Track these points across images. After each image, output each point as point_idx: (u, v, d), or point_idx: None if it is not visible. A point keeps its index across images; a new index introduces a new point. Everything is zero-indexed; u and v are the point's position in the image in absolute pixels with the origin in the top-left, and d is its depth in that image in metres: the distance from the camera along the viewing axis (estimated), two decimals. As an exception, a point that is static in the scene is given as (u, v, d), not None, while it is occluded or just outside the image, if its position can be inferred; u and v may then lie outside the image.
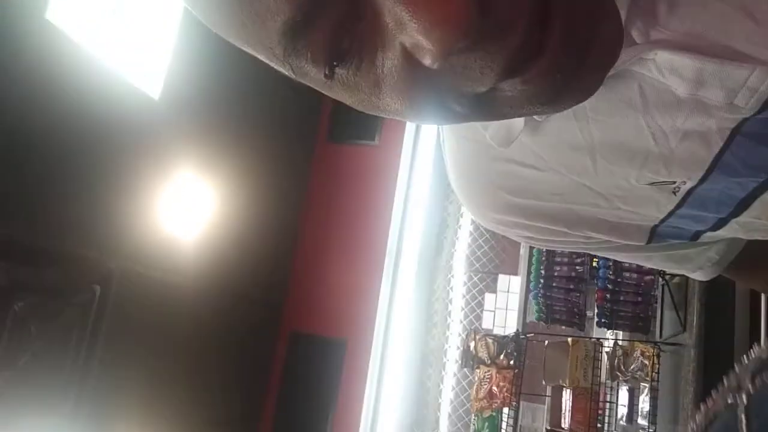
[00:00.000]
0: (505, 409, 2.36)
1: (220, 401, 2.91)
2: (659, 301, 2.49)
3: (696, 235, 0.51)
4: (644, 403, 2.28)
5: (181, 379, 2.54)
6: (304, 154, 3.82)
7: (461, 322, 3.87)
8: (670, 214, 0.48)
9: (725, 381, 0.37)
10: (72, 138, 1.96)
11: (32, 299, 1.93)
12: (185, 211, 2.47)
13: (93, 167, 2.10)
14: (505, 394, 2.27)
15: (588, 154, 0.46)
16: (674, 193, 0.46)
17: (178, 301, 2.45)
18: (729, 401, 0.36)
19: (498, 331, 3.13)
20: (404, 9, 0.27)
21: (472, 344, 2.41)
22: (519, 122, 0.45)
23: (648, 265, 0.61)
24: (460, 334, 3.11)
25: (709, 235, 0.50)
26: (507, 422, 2.35)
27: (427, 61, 0.28)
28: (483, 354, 2.34)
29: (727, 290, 2.17)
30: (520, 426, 2.52)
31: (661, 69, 0.38)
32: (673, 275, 2.49)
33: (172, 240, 2.46)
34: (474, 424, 2.36)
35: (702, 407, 0.37)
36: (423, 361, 3.85)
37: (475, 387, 2.32)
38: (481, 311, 3.74)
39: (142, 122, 2.26)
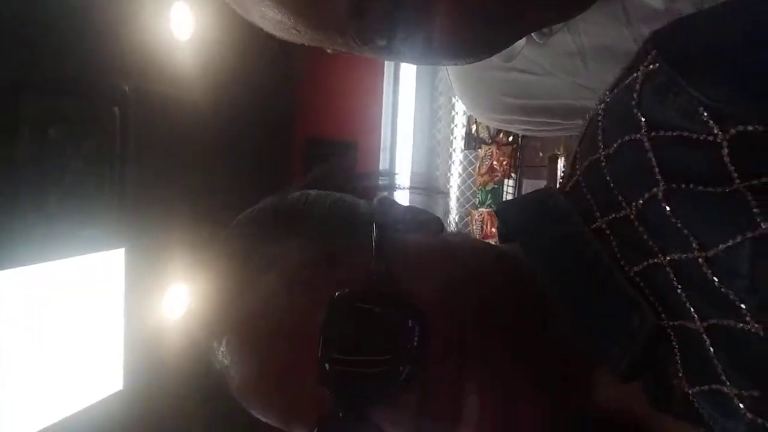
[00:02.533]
0: (507, 182, 2.59)
1: (243, 203, 3.15)
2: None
3: None
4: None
5: (207, 184, 2.75)
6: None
7: (465, 113, 3.98)
8: None
9: None
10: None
11: (61, 126, 2.08)
12: (184, 28, 2.50)
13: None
14: (505, 167, 2.49)
15: (580, 58, 0.56)
16: None
17: (194, 114, 2.58)
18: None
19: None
20: None
21: (473, 126, 2.58)
22: (521, 40, 0.54)
23: None
24: (464, 125, 3.26)
25: None
26: (507, 192, 2.60)
27: None
28: (484, 134, 2.51)
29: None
30: (523, 199, 2.76)
31: None
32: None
33: (177, 55, 2.52)
34: (478, 197, 2.62)
35: None
36: (430, 153, 4.06)
37: (477, 165, 2.53)
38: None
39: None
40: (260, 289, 0.42)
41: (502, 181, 2.63)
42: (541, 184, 2.97)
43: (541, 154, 2.59)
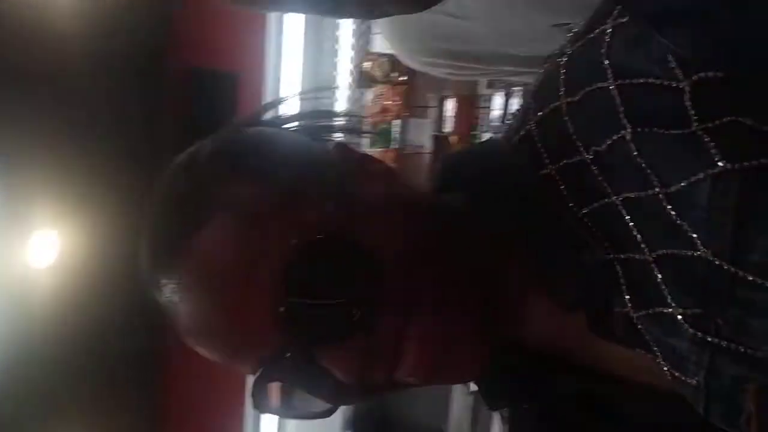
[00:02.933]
0: (396, 122, 2.60)
1: (116, 138, 2.94)
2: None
3: None
4: (515, 107, 2.60)
5: (75, 116, 2.52)
6: None
7: (352, 48, 3.88)
8: None
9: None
10: None
11: None
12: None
13: None
14: (398, 107, 2.49)
15: (508, 6, 0.58)
16: (571, 31, 0.58)
17: (59, 39, 2.32)
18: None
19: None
20: None
21: (367, 64, 2.54)
22: None
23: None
24: (353, 58, 3.18)
25: None
26: (395, 131, 2.62)
27: None
28: (377, 72, 2.48)
29: None
30: (409, 139, 2.81)
31: None
32: None
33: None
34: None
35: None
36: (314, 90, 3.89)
37: (370, 104, 2.51)
38: (371, 35, 3.76)
39: None
40: (215, 228, 0.41)
41: (392, 122, 2.63)
42: (426, 123, 3.01)
43: (431, 95, 2.61)
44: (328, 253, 0.41)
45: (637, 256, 0.38)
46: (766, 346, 0.34)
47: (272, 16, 3.58)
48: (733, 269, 0.34)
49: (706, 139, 0.35)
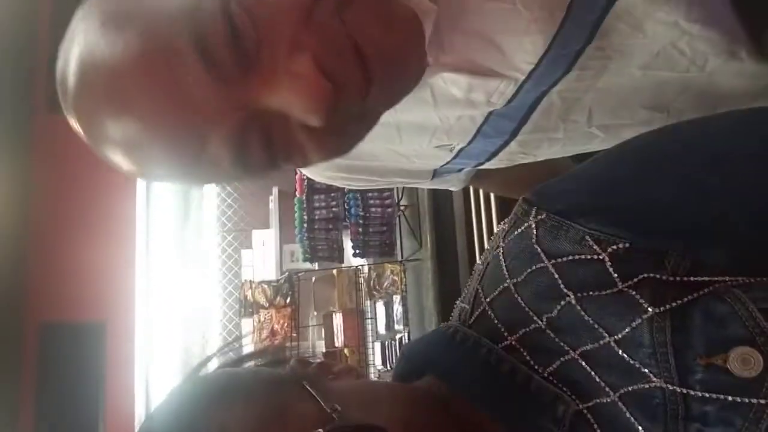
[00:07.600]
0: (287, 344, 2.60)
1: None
2: (398, 228, 2.96)
3: (459, 170, 0.79)
4: (398, 312, 2.74)
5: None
6: (20, 130, 3.41)
7: (220, 281, 3.92)
8: (447, 162, 0.74)
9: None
10: None
11: None
12: None
13: None
14: (286, 329, 2.51)
15: (395, 129, 0.69)
16: (451, 150, 0.71)
17: None
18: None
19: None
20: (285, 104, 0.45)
21: (249, 293, 2.57)
22: None
23: (422, 186, 0.89)
24: (227, 288, 3.16)
25: (466, 170, 0.79)
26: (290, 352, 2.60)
27: (314, 124, 0.46)
28: (261, 299, 2.53)
29: (450, 213, 2.68)
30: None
31: (446, 81, 0.59)
32: (406, 206, 3.00)
33: None
34: (261, 363, 2.54)
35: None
36: (185, 328, 3.80)
37: (256, 331, 2.50)
38: (239, 268, 3.84)
39: None
40: None
41: (283, 344, 2.63)
42: (320, 343, 3.02)
43: (315, 313, 2.68)
44: None
45: (603, 400, 0.43)
46: None
47: (139, 260, 3.56)
48: (684, 390, 0.40)
49: (632, 293, 0.42)
